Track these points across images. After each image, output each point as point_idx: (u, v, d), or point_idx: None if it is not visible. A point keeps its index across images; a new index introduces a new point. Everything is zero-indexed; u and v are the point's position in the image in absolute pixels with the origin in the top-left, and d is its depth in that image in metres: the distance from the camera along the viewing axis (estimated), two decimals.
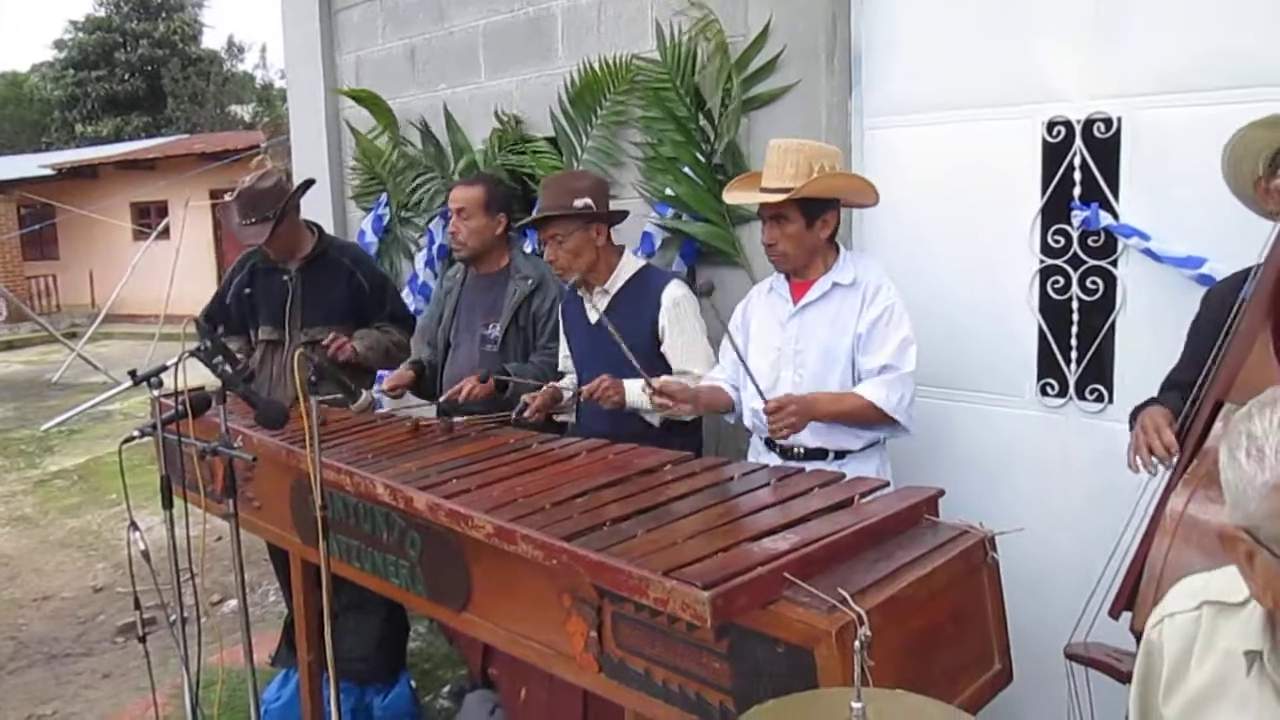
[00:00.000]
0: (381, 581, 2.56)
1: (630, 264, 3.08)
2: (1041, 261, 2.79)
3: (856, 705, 1.26)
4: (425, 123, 4.39)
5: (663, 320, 2.96)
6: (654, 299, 2.97)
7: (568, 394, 3.10)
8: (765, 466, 2.41)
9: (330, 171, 4.85)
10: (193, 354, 2.96)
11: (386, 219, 4.63)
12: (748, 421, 2.77)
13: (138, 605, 2.85)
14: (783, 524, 1.95)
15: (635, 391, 2.88)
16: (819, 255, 2.65)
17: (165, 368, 2.92)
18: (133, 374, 2.93)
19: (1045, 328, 2.80)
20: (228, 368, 2.92)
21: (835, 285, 2.62)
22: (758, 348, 2.74)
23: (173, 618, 2.68)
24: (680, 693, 1.83)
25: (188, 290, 14.25)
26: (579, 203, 2.92)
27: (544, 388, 3.02)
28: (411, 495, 2.27)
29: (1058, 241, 2.75)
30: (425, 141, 4.39)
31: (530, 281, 3.33)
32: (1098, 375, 2.73)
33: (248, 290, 3.74)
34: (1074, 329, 2.75)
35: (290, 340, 3.66)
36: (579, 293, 3.12)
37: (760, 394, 2.48)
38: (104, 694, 4.25)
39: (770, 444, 2.71)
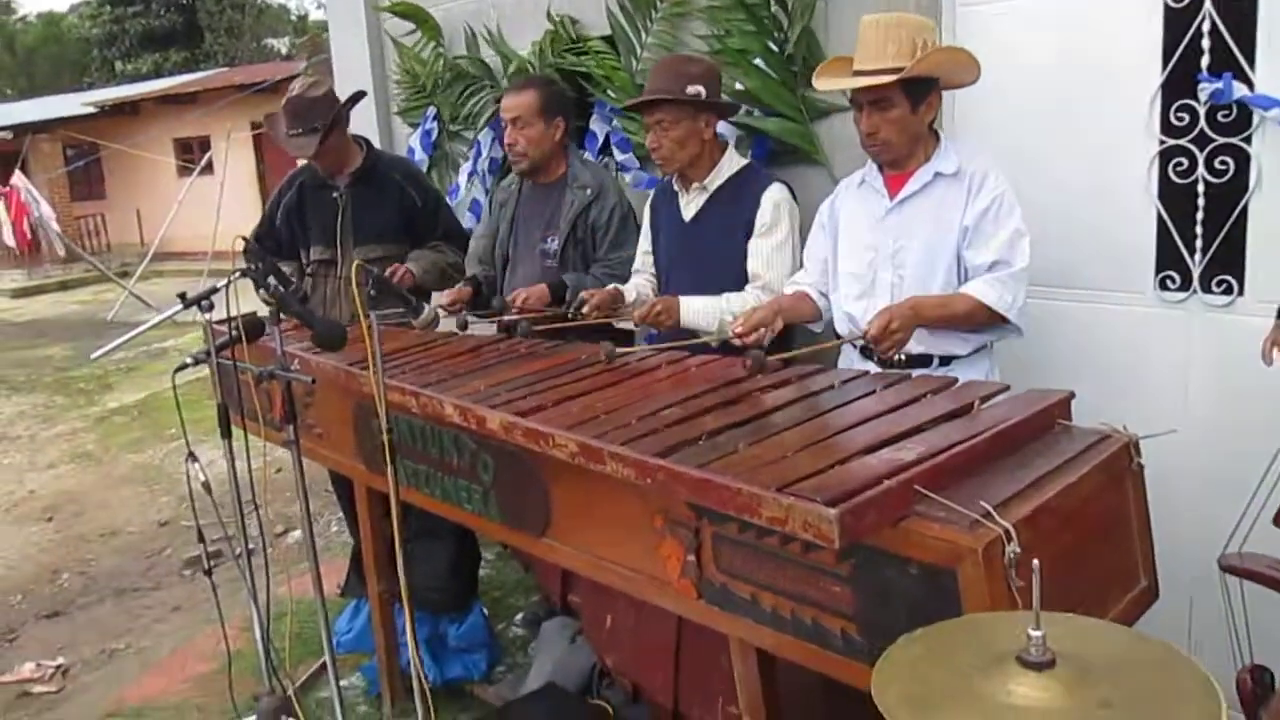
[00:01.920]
0: (453, 508, 2.42)
1: (733, 161, 2.85)
2: (1162, 142, 2.51)
3: (1036, 633, 1.08)
4: (470, 30, 4.14)
5: (760, 221, 2.74)
6: (754, 199, 2.76)
7: (631, 297, 2.91)
8: (866, 373, 2.22)
9: (375, 87, 4.62)
10: (243, 275, 2.81)
11: (435, 134, 4.41)
12: (841, 328, 2.56)
13: (202, 539, 2.75)
14: (899, 433, 1.75)
15: (696, 310, 2.67)
16: (921, 143, 2.41)
17: (215, 289, 2.77)
18: (182, 296, 2.79)
19: (1165, 215, 2.54)
20: (280, 288, 2.77)
21: (938, 175, 2.38)
22: (849, 247, 2.52)
23: (238, 551, 2.57)
24: (793, 619, 1.66)
25: (234, 224, 14.24)
26: (691, 89, 2.69)
27: (606, 288, 2.83)
28: (484, 415, 2.11)
29: (1181, 119, 2.47)
30: (471, 49, 4.15)
31: (589, 191, 3.12)
32: (1226, 265, 2.47)
33: (298, 209, 3.58)
34: (1199, 215, 2.48)
35: (343, 259, 3.50)
36: (675, 187, 2.91)
37: (854, 324, 2.26)
38: (174, 626, 4.22)
39: (866, 352, 2.50)
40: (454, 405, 2.20)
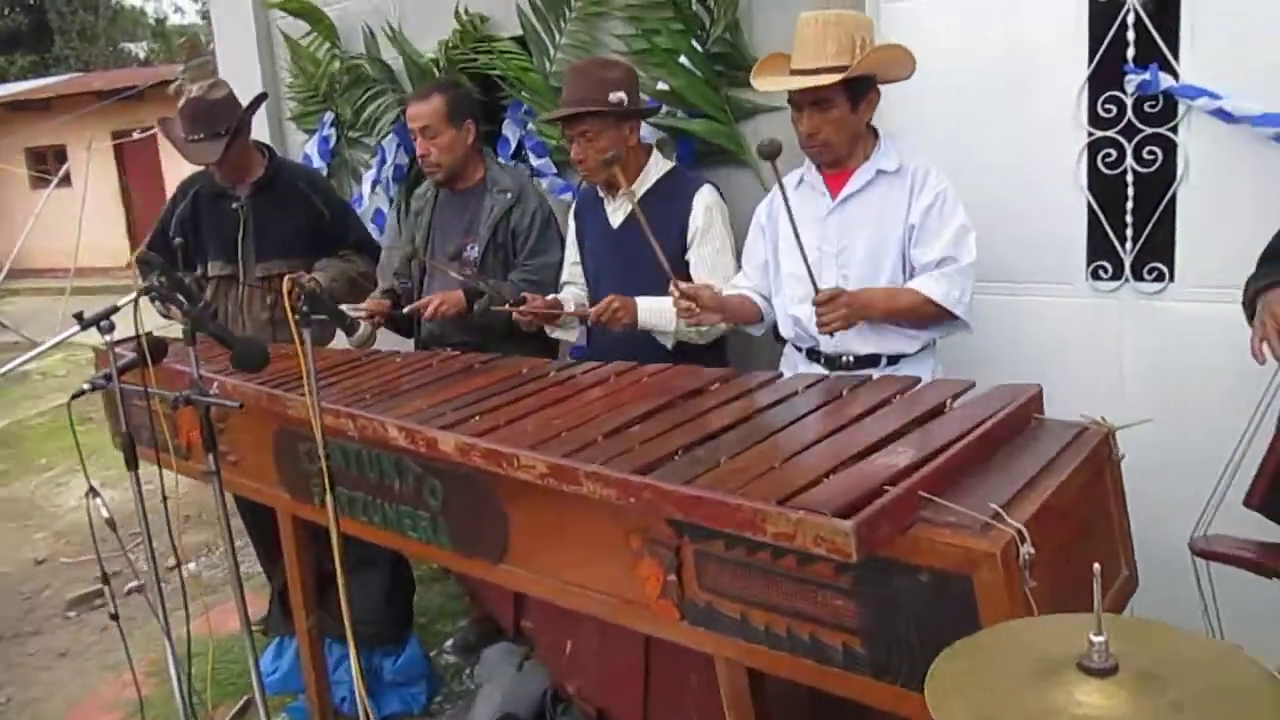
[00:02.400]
0: (395, 536, 2.28)
1: (658, 164, 2.78)
2: (1091, 134, 2.56)
3: (1098, 638, 1.04)
4: (369, 29, 3.96)
5: (693, 226, 2.67)
6: (685, 203, 2.69)
7: (570, 307, 2.81)
8: (826, 377, 2.17)
9: (266, 91, 4.39)
10: (146, 293, 2.60)
11: (333, 140, 4.21)
12: (786, 331, 2.51)
13: (106, 580, 2.56)
14: (882, 437, 1.70)
15: (651, 310, 2.60)
16: (860, 141, 2.39)
17: (116, 308, 2.56)
18: (79, 317, 2.57)
19: (1096, 206, 2.58)
20: (190, 304, 2.57)
21: (880, 173, 2.36)
22: (790, 248, 2.47)
23: (138, 584, 2.36)
24: (789, 636, 1.59)
25: (96, 239, 13.45)
26: (614, 96, 2.60)
27: (543, 299, 2.73)
28: (434, 436, 1.98)
29: (1109, 110, 2.51)
30: (370, 50, 3.97)
31: (509, 195, 3.01)
32: (1156, 253, 2.53)
33: (193, 221, 3.34)
34: (1129, 205, 2.53)
35: (245, 275, 3.29)
36: (600, 194, 2.81)
37: (813, 279, 2.22)
38: (64, 675, 3.90)
39: (813, 355, 2.47)
40: (398, 427, 2.06)
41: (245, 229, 3.30)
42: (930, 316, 2.32)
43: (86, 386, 2.53)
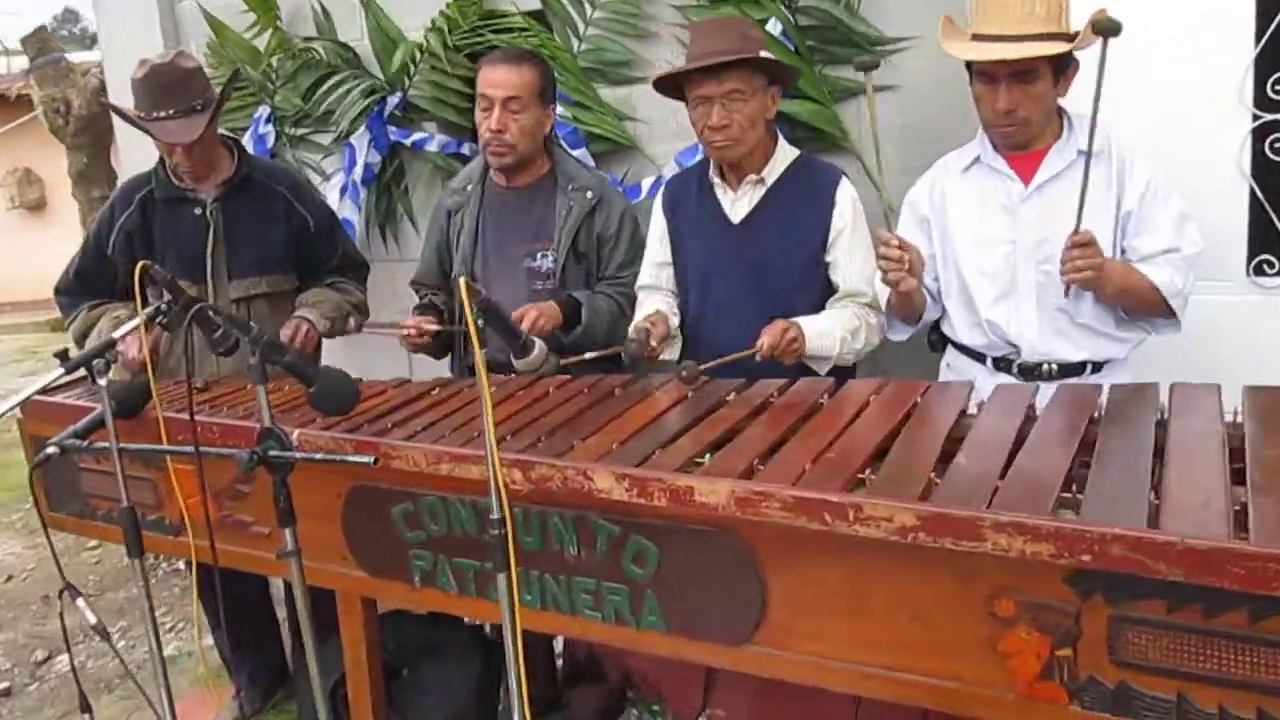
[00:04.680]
0: (561, 618, 1.74)
1: (786, 149, 2.35)
2: (1256, 117, 2.34)
3: None
4: (321, 7, 3.35)
5: (838, 224, 2.27)
6: (826, 195, 2.28)
7: (674, 322, 2.35)
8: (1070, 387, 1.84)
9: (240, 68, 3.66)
10: (158, 317, 1.98)
11: (271, 140, 3.55)
12: (968, 337, 2.17)
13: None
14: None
15: (817, 333, 2.17)
16: (1051, 120, 2.08)
17: (113, 344, 1.93)
18: (62, 356, 1.92)
19: (1260, 195, 2.36)
20: (231, 331, 1.97)
21: (1080, 154, 2.05)
22: (975, 242, 2.13)
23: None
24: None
25: None
26: (764, 53, 2.15)
27: (654, 319, 2.26)
28: (691, 485, 1.48)
29: (1279, 92, 2.31)
30: (323, 31, 3.36)
31: (589, 194, 2.51)
32: None
33: (143, 231, 2.65)
34: None
35: (216, 297, 2.64)
36: (713, 180, 2.35)
37: (1080, 213, 1.92)
38: None
39: (1001, 364, 2.13)
40: (618, 475, 1.54)
41: (215, 240, 2.65)
42: (1149, 308, 2.04)
43: (53, 450, 1.90)
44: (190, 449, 1.83)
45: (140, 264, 1.94)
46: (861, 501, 1.35)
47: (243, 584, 2.47)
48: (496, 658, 2.44)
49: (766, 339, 2.10)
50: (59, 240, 13.34)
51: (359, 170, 3.31)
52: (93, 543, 4.74)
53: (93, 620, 2.04)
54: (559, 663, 2.53)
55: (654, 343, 2.14)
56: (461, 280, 1.44)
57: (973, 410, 1.75)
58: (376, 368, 2.68)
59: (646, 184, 2.87)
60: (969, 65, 2.03)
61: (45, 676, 3.87)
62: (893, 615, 1.45)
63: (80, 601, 2.03)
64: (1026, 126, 2.04)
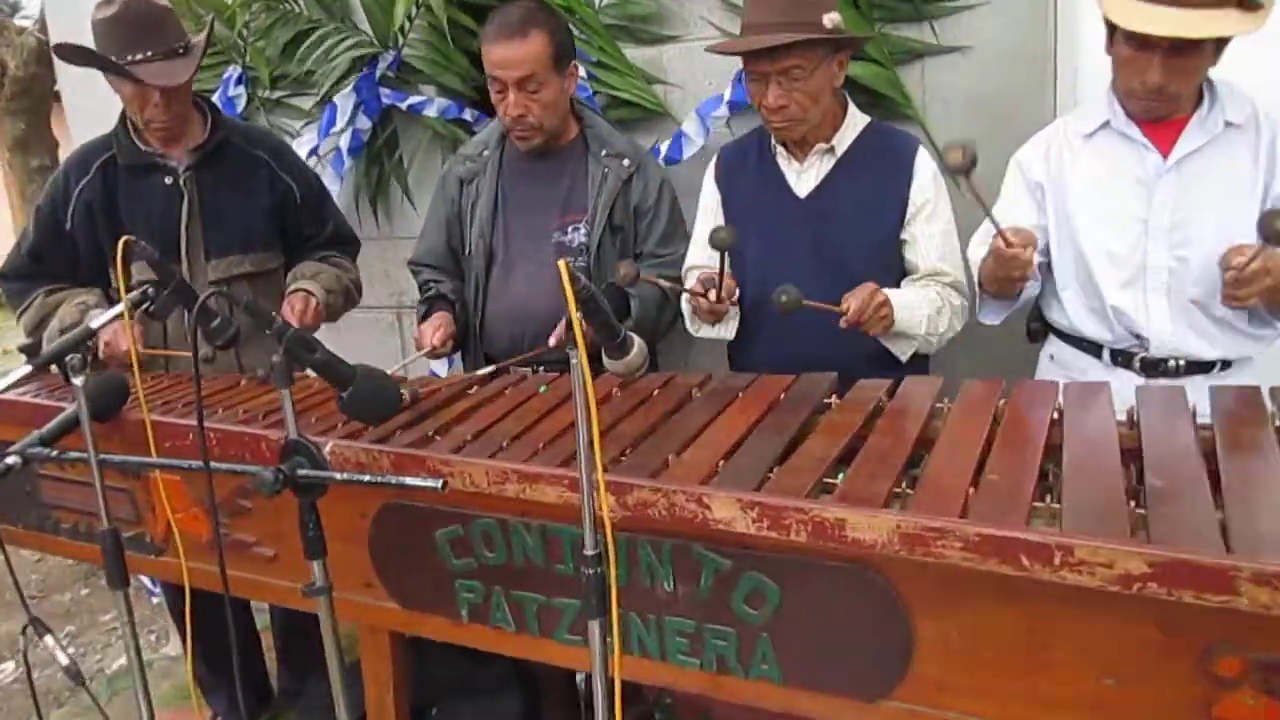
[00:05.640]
0: (660, 666, 1.47)
1: (856, 115, 2.08)
2: None
3: None
4: None
5: (918, 197, 2.02)
6: (903, 166, 2.02)
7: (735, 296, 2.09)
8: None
9: None
10: (145, 308, 1.66)
11: (242, 103, 3.18)
12: (1085, 325, 1.93)
13: None
14: None
15: (905, 305, 1.93)
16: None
17: (91, 334, 1.61)
18: (29, 350, 1.61)
19: None
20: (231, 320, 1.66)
21: (1227, 126, 1.81)
22: (1101, 218, 1.88)
23: None
24: None
25: None
26: (828, 20, 1.87)
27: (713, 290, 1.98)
28: (842, 517, 1.21)
29: None
30: None
31: (626, 162, 2.22)
32: None
33: (105, 204, 2.31)
34: None
35: (193, 277, 2.31)
36: (774, 151, 2.08)
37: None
38: None
39: (1119, 358, 1.89)
40: (744, 503, 1.27)
41: (190, 213, 2.32)
42: None
43: (13, 460, 1.60)
44: (186, 464, 1.53)
45: (124, 240, 1.61)
46: (1072, 543, 1.09)
47: (221, 598, 2.17)
48: (534, 689, 2.15)
49: (854, 302, 1.86)
50: None
51: (344, 136, 2.97)
52: None
53: (65, 662, 1.74)
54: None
55: (713, 295, 1.87)
56: (561, 263, 1.15)
57: (1121, 417, 1.50)
58: (366, 354, 2.36)
59: (665, 145, 2.58)
60: (1109, 21, 1.77)
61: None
62: (1080, 672, 1.20)
63: (50, 640, 1.73)
64: (1174, 102, 1.79)
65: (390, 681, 1.78)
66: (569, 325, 1.14)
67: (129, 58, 2.11)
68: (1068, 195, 1.91)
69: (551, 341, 2.03)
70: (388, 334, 3.20)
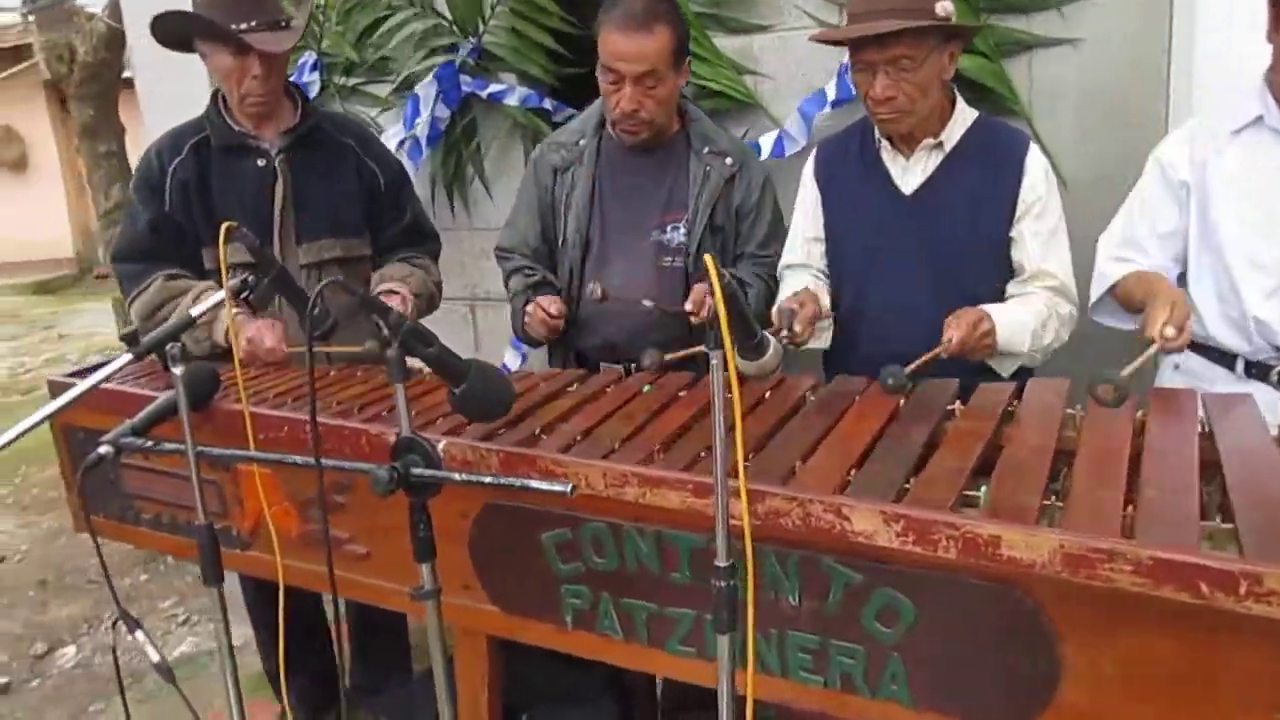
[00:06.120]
0: (779, 682, 1.41)
1: (965, 110, 2.00)
2: None
3: None
4: None
5: (1029, 194, 1.93)
6: (1014, 163, 1.94)
7: (825, 303, 2.02)
8: None
9: None
10: (244, 295, 1.62)
11: (316, 90, 3.15)
12: (1223, 335, 1.82)
13: None
14: None
15: (1009, 324, 1.84)
16: None
17: (191, 322, 1.57)
18: (130, 338, 1.56)
19: None
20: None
21: None
22: (1252, 222, 1.77)
23: None
24: None
25: None
26: (940, 8, 1.79)
27: (802, 297, 1.91)
28: (998, 535, 1.14)
29: None
30: None
31: (729, 161, 2.16)
32: None
33: (199, 185, 2.28)
34: None
35: (284, 261, 2.27)
36: (879, 146, 2.01)
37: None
38: None
39: (1255, 370, 1.80)
40: (887, 515, 1.20)
41: (284, 195, 2.30)
42: None
43: (106, 450, 1.57)
44: (296, 459, 1.49)
45: (225, 225, 1.57)
46: (1260, 571, 1.02)
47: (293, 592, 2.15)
48: (628, 703, 2.10)
49: (956, 334, 1.77)
50: (40, 201, 12.82)
51: (423, 126, 2.93)
52: None
53: (155, 659, 1.70)
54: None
55: (798, 326, 1.79)
56: (707, 257, 1.09)
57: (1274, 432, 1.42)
58: None
59: (767, 144, 2.51)
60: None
61: (46, 673, 3.54)
62: (1253, 705, 1.13)
63: (140, 634, 1.70)
64: None
65: (485, 685, 1.74)
66: (714, 323, 1.08)
67: (235, 26, 2.09)
68: (1210, 197, 1.81)
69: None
70: (462, 326, 3.16)
